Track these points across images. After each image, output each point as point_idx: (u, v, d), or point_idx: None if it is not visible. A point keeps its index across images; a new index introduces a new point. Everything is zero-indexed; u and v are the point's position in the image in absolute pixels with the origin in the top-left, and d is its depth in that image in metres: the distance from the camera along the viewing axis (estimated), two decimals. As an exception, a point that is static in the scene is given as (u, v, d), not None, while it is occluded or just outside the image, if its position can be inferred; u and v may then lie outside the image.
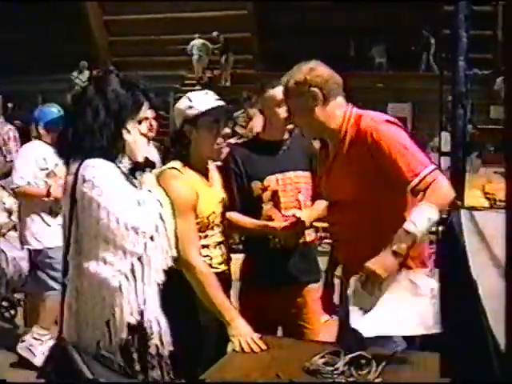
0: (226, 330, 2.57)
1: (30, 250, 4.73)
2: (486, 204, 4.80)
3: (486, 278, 2.42)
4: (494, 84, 14.88)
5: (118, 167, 2.17)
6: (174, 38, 18.97)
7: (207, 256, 2.85)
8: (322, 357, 2.29)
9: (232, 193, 3.09)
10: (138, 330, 2.16)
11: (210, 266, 2.81)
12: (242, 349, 2.47)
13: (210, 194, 2.90)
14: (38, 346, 4.48)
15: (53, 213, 4.54)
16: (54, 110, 4.71)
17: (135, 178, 2.24)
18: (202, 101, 2.89)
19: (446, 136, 5.12)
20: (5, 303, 5.53)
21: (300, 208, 3.13)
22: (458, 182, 4.36)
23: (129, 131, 2.20)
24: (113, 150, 2.17)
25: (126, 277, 2.11)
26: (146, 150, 2.28)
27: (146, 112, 2.30)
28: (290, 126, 3.16)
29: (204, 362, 2.58)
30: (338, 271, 3.20)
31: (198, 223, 2.76)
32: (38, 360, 4.15)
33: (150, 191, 2.20)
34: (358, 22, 17.31)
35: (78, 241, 2.13)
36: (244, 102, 8.79)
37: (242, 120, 7.79)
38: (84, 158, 2.12)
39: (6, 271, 5.51)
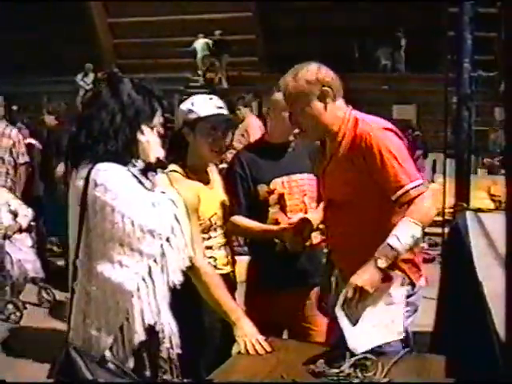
0: (231, 332, 2.56)
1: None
2: (492, 206, 4.80)
3: (492, 279, 2.42)
4: (500, 85, 14.85)
5: (129, 170, 2.16)
6: (178, 40, 19.00)
7: (212, 257, 2.85)
8: (328, 359, 2.29)
9: (237, 196, 3.09)
10: (152, 334, 2.15)
11: (215, 267, 2.81)
12: (247, 350, 2.47)
13: (211, 195, 2.91)
14: None
15: None
16: None
17: (147, 179, 2.23)
18: (203, 106, 2.90)
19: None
20: (10, 306, 5.53)
21: (306, 211, 3.12)
22: (463, 184, 4.36)
23: (142, 132, 2.19)
24: (126, 154, 2.16)
25: (144, 279, 2.09)
26: (158, 150, 2.27)
27: (160, 118, 2.29)
28: (296, 130, 3.16)
29: (208, 364, 2.58)
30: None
31: (200, 225, 2.76)
32: None
33: (163, 192, 2.19)
34: (361, 22, 17.31)
35: (89, 245, 2.11)
36: (237, 100, 8.81)
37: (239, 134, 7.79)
38: (95, 162, 2.11)
39: (11, 273, 5.53)
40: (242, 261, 3.25)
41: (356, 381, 2.18)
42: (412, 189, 2.47)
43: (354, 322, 2.41)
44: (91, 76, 17.90)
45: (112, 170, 2.09)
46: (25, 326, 5.40)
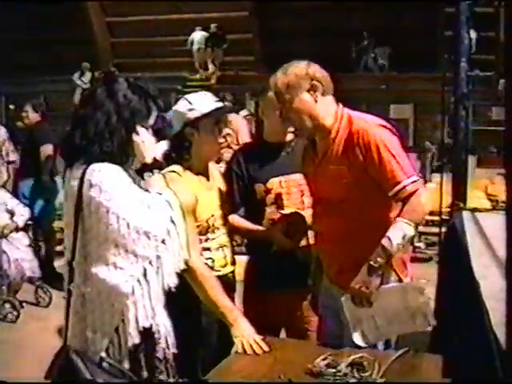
0: (228, 333, 2.55)
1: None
2: (489, 205, 4.81)
3: (489, 278, 2.43)
4: (498, 84, 14.86)
5: (126, 170, 2.15)
6: (175, 39, 18.98)
7: (209, 258, 2.84)
8: (325, 359, 2.29)
9: (233, 195, 3.09)
10: (148, 335, 2.15)
11: (213, 268, 2.81)
12: (245, 350, 2.46)
13: (210, 197, 2.89)
14: None
15: None
16: None
17: (143, 179, 2.22)
18: (202, 103, 2.88)
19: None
20: (7, 305, 5.52)
21: (304, 211, 3.12)
22: (459, 183, 4.36)
23: (137, 132, 2.18)
24: (122, 154, 2.15)
25: (139, 281, 2.08)
26: (154, 150, 2.26)
27: (155, 119, 2.27)
28: (291, 128, 3.15)
29: (206, 364, 2.58)
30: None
31: (197, 226, 2.75)
32: None
33: (159, 193, 2.18)
34: (358, 24, 17.31)
35: (85, 246, 2.10)
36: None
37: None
38: (90, 163, 2.10)
39: (8, 272, 5.53)
40: (241, 260, 3.25)
41: (353, 380, 2.18)
42: (408, 185, 2.52)
43: (363, 318, 2.53)
44: (88, 75, 17.89)
45: (107, 171, 2.08)
46: (22, 325, 5.40)
